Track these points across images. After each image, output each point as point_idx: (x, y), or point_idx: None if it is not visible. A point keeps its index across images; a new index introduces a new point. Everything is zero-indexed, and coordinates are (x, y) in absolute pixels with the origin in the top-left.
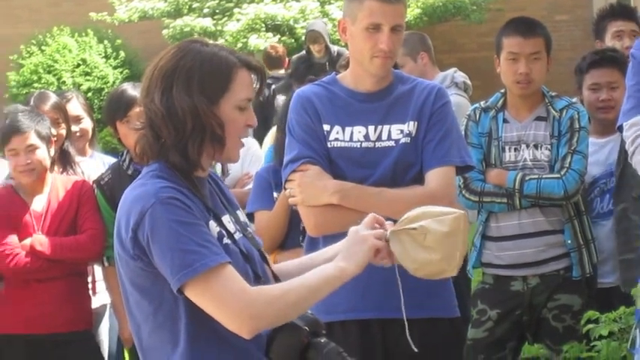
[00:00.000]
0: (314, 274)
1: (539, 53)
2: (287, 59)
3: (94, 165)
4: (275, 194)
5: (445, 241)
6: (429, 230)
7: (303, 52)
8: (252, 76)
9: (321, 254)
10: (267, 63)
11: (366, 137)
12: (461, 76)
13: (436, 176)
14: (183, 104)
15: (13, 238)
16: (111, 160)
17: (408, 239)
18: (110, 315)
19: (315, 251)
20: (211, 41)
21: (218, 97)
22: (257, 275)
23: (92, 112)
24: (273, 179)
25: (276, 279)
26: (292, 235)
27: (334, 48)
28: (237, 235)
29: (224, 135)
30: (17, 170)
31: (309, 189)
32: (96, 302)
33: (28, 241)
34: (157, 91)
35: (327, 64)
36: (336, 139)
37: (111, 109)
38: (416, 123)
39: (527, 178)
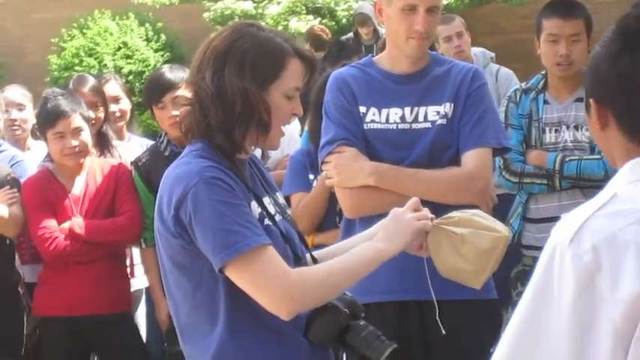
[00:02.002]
0: (352, 256)
1: (579, 35)
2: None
3: (130, 149)
4: (311, 176)
5: (481, 257)
6: (468, 241)
7: (350, 35)
8: (303, 65)
9: (360, 238)
10: (312, 45)
11: (402, 119)
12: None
13: (473, 157)
14: (234, 86)
15: (52, 222)
16: (149, 142)
17: (446, 239)
18: (148, 299)
19: (352, 233)
20: (267, 27)
21: (268, 84)
22: (297, 256)
23: (131, 94)
24: (307, 162)
25: (315, 262)
26: (329, 217)
27: (382, 30)
28: (278, 217)
29: (270, 121)
30: (64, 153)
31: (346, 171)
32: (133, 286)
33: (67, 225)
34: (209, 70)
35: (374, 46)
36: (372, 121)
37: (147, 93)
38: (452, 104)
39: (567, 159)
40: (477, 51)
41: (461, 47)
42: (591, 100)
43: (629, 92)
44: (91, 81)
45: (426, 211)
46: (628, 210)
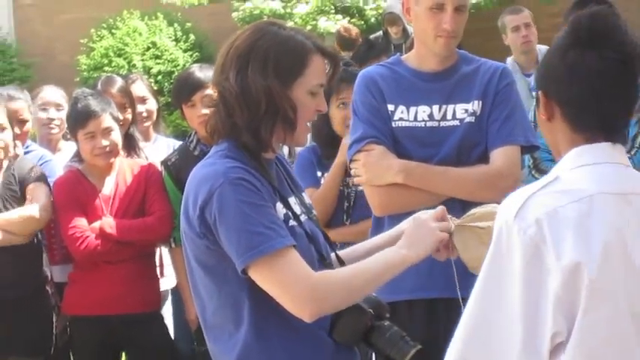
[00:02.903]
0: (377, 260)
1: None
2: (360, 41)
3: (157, 150)
4: (318, 173)
5: None
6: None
7: (379, 33)
8: (326, 62)
9: (384, 238)
10: (341, 44)
11: (431, 117)
12: None
13: (501, 155)
14: (258, 85)
15: (82, 221)
16: (175, 143)
17: (472, 236)
18: (174, 299)
19: (381, 231)
20: (288, 24)
21: (292, 81)
22: (322, 256)
23: (159, 94)
24: (314, 158)
25: (341, 263)
26: (337, 214)
27: (411, 29)
28: (303, 218)
29: (296, 118)
30: (94, 153)
31: (374, 168)
32: (161, 286)
33: (97, 224)
34: (233, 70)
35: (404, 45)
36: (401, 119)
37: (177, 92)
38: (480, 102)
39: None
40: (542, 48)
41: (528, 37)
42: (540, 92)
43: (574, 84)
44: (119, 82)
45: (450, 221)
46: (569, 190)
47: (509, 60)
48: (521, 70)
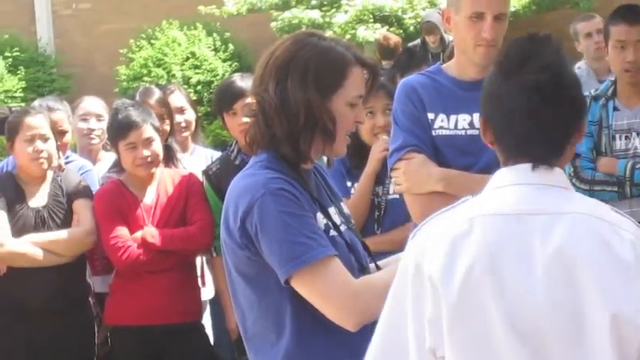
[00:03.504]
0: None
1: None
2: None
3: (195, 161)
4: (348, 183)
5: None
6: None
7: (417, 42)
8: (365, 73)
9: None
10: (381, 53)
11: (471, 125)
12: None
13: None
14: (298, 97)
15: (124, 231)
16: (214, 153)
17: None
18: (212, 310)
19: None
20: (327, 35)
21: (331, 93)
22: (362, 266)
23: (197, 104)
24: (344, 169)
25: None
26: (369, 224)
27: (449, 38)
28: (343, 227)
29: (335, 130)
30: (136, 164)
31: (415, 177)
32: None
33: (139, 234)
34: (272, 81)
35: (442, 53)
36: (441, 127)
37: (218, 100)
38: None
39: (637, 166)
40: (582, 64)
41: (600, 44)
42: (480, 119)
43: (495, 110)
44: (157, 93)
45: None
46: (460, 212)
47: (583, 65)
48: (595, 75)
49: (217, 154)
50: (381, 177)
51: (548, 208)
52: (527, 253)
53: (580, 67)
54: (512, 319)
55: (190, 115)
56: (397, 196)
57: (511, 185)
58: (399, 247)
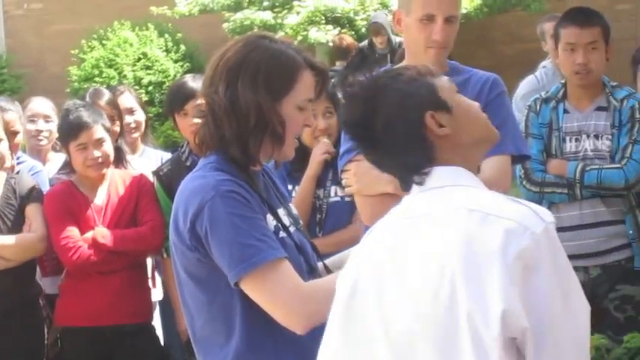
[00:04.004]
0: None
1: (596, 43)
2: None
3: (143, 163)
4: (290, 187)
5: None
6: None
7: (365, 43)
8: (315, 76)
9: None
10: (335, 54)
11: None
12: None
13: (491, 165)
14: (248, 99)
15: (75, 231)
16: (163, 154)
17: None
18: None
19: None
20: (278, 37)
21: (282, 96)
22: (311, 268)
23: (148, 105)
24: (284, 172)
25: (329, 271)
26: (311, 227)
27: (396, 39)
28: (292, 229)
29: (284, 133)
30: (86, 164)
31: (365, 178)
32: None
33: (89, 234)
34: (222, 83)
35: (389, 55)
36: None
37: (169, 101)
38: None
39: (587, 168)
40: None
41: None
42: None
43: None
44: (107, 94)
45: None
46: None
47: (548, 64)
48: (560, 74)
49: (167, 155)
50: (322, 180)
51: (420, 210)
52: (403, 258)
53: (545, 66)
54: (387, 325)
55: (140, 115)
56: (338, 199)
57: (418, 192)
58: (340, 249)
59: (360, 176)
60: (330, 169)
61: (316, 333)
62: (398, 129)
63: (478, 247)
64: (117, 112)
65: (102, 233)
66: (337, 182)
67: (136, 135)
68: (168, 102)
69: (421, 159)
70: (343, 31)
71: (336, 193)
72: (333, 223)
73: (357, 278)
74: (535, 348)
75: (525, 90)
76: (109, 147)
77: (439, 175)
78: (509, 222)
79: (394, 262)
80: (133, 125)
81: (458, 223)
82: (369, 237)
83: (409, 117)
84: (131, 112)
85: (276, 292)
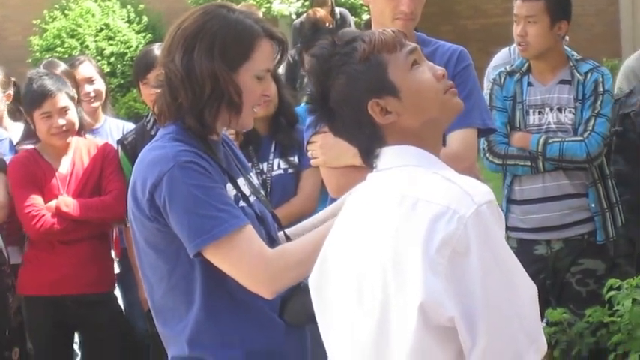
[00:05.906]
0: (327, 229)
1: (534, 17)
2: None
3: (105, 132)
4: None
5: None
6: None
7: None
8: (274, 46)
9: (330, 210)
10: (307, 27)
11: None
12: None
13: (457, 138)
14: (204, 68)
15: (39, 200)
16: (125, 124)
17: None
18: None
19: None
20: (237, 7)
21: (238, 65)
22: (271, 238)
23: (111, 76)
24: None
25: (288, 240)
26: None
27: (337, 10)
28: (252, 199)
29: (241, 102)
30: (51, 133)
31: (331, 150)
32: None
33: (53, 203)
34: (179, 52)
35: (334, 26)
36: None
37: (135, 69)
38: None
39: (550, 141)
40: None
41: None
42: None
43: None
44: (62, 65)
45: None
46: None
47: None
48: None
49: (129, 125)
50: (265, 153)
51: (365, 198)
52: (350, 249)
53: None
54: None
55: (100, 84)
56: (282, 172)
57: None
58: (288, 222)
59: (327, 148)
60: (273, 142)
61: (276, 304)
62: (345, 113)
63: (404, 238)
64: (73, 83)
65: (65, 202)
66: (280, 155)
67: (96, 104)
68: (134, 70)
69: (370, 142)
70: (306, 3)
71: (279, 166)
72: (279, 196)
73: (325, 258)
74: (469, 333)
75: (497, 62)
76: (73, 115)
77: (387, 156)
78: (438, 207)
79: (342, 253)
80: (92, 94)
81: (391, 213)
82: (339, 217)
83: (353, 103)
84: (91, 81)
85: (240, 259)
